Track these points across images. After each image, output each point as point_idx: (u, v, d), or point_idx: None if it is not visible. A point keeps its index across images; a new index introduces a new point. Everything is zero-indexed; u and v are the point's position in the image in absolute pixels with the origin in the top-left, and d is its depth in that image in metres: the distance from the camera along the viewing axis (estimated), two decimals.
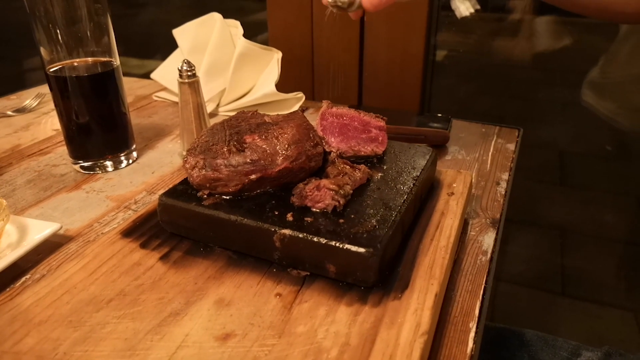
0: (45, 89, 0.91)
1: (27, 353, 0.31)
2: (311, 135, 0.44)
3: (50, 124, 0.77)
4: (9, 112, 0.80)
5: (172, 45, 0.88)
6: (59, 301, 0.35)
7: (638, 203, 1.57)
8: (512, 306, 1.31)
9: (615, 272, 1.41)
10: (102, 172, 0.61)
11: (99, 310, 0.34)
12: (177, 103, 0.85)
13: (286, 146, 0.41)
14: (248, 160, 0.41)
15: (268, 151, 0.41)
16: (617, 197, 1.59)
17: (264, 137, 0.42)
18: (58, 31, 0.56)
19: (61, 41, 0.56)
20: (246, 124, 0.45)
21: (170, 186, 0.44)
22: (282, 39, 1.00)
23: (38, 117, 0.80)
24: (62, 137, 0.71)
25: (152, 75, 0.88)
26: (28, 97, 0.86)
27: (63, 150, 0.67)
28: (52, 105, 0.85)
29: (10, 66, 1.98)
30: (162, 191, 0.53)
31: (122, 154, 0.62)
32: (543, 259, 1.46)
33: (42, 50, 0.57)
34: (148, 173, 0.62)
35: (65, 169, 0.63)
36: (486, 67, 1.46)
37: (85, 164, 0.61)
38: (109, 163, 0.61)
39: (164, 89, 0.89)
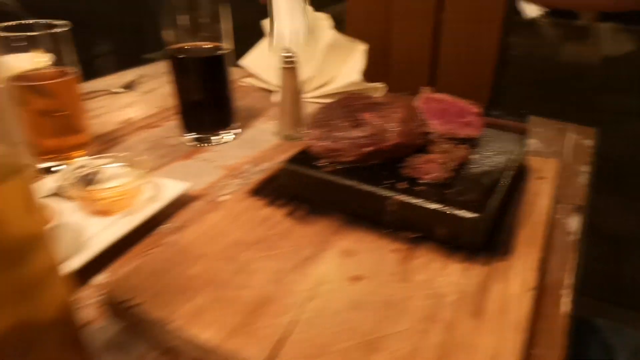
0: (142, 70, 1.00)
1: (195, 277, 0.37)
2: (418, 116, 0.49)
3: (154, 101, 0.85)
4: (116, 90, 0.89)
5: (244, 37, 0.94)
6: (211, 242, 0.41)
7: None
8: None
9: None
10: (209, 145, 0.68)
11: (245, 251, 0.40)
12: (262, 89, 0.92)
13: (399, 124, 0.47)
14: (365, 134, 0.46)
15: (383, 127, 0.46)
16: None
17: (379, 114, 0.47)
18: (181, 16, 0.63)
19: (183, 25, 0.64)
20: (359, 103, 0.50)
21: (290, 155, 0.50)
22: (359, 32, 1.05)
23: (140, 95, 0.89)
24: (167, 113, 0.79)
25: (241, 63, 0.95)
26: (127, 78, 0.95)
27: (171, 124, 0.75)
28: (151, 85, 0.94)
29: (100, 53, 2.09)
30: (265, 164, 0.59)
31: (228, 130, 0.69)
32: (599, 267, 1.46)
33: (165, 32, 0.64)
34: (249, 148, 0.68)
35: (175, 140, 0.70)
36: (553, 70, 1.46)
37: (197, 137, 0.68)
38: (216, 137, 0.68)
39: (250, 75, 0.96)
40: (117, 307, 0.35)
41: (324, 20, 0.87)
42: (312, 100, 0.85)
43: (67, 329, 0.29)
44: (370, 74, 1.06)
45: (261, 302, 0.35)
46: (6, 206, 0.25)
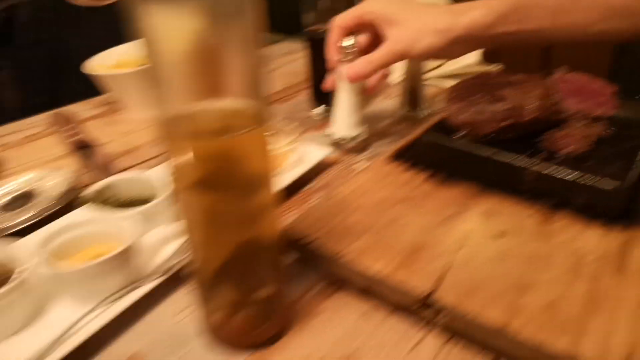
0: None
1: (356, 224, 0.44)
2: (554, 93, 0.52)
3: (280, 78, 0.94)
4: None
5: None
6: (363, 197, 0.48)
7: None
8: None
9: None
10: None
11: (393, 207, 0.46)
12: None
13: (537, 100, 0.50)
14: (505, 108, 0.50)
15: (522, 102, 0.50)
16: None
17: (518, 90, 0.50)
18: (321, 1, 0.70)
19: (322, 9, 0.70)
20: (496, 81, 0.54)
21: (428, 126, 0.54)
22: None
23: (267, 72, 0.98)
24: (293, 90, 0.87)
25: None
26: None
27: (298, 99, 0.83)
28: (274, 64, 1.02)
29: None
30: (389, 139, 0.64)
31: None
32: None
33: (306, 15, 0.71)
34: (376, 121, 0.74)
35: (304, 114, 0.78)
36: None
37: (327, 110, 0.75)
38: None
39: None
40: (296, 242, 0.42)
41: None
42: (430, 81, 0.88)
43: (275, 252, 0.36)
44: (484, 54, 1.07)
45: (416, 248, 0.40)
46: (252, 148, 0.32)
